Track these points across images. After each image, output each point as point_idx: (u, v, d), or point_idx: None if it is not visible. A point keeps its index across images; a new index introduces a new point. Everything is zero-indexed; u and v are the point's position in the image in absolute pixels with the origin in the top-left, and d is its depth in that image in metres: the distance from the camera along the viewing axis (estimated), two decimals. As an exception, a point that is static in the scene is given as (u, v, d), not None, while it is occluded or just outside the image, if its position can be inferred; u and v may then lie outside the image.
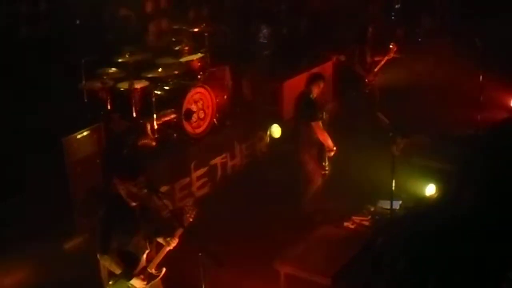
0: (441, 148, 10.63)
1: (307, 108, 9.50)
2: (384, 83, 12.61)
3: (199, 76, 11.36)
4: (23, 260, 8.10)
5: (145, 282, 6.53)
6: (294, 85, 11.54)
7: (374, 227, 9.09)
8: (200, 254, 6.25)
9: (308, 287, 8.04)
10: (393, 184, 8.84)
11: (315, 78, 9.61)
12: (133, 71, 10.58)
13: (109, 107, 10.40)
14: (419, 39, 16.60)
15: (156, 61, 11.32)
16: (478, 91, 12.04)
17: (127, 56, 10.57)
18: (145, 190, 6.48)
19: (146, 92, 10.58)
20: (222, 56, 12.14)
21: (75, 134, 9.39)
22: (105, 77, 10.46)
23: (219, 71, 12.03)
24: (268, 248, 8.69)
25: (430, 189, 9.77)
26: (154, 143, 10.47)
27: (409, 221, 9.08)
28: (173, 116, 10.67)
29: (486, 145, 10.72)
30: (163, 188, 9.39)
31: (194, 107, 10.87)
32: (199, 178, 10.61)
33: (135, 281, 6.51)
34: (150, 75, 10.74)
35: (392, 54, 12.00)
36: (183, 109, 10.68)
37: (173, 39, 12.00)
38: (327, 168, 9.61)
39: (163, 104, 10.66)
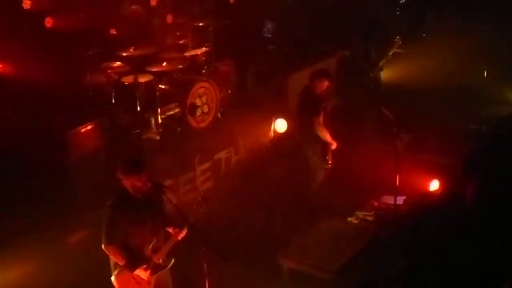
0: (445, 143, 10.62)
1: (308, 103, 9.49)
2: (388, 78, 12.59)
3: (203, 71, 11.36)
4: (26, 254, 8.12)
5: (149, 273, 6.58)
6: (299, 80, 11.51)
7: (377, 223, 9.09)
8: (204, 248, 6.26)
9: (311, 282, 8.05)
10: (397, 180, 8.84)
11: (318, 74, 9.58)
12: (137, 65, 10.58)
13: (113, 101, 10.41)
14: (424, 34, 16.56)
15: (161, 55, 11.31)
16: (483, 86, 12.04)
17: (131, 50, 10.56)
18: (149, 184, 6.50)
19: (150, 86, 10.58)
20: (226, 50, 12.14)
21: (79, 128, 9.40)
22: (109, 71, 10.46)
23: (224, 65, 12.02)
24: (271, 243, 8.70)
25: (434, 185, 9.76)
26: (158, 137, 10.48)
27: (412, 217, 9.10)
28: (177, 110, 10.67)
29: (490, 140, 10.73)
30: (167, 182, 9.39)
31: (198, 102, 10.87)
32: (203, 172, 10.60)
33: (139, 272, 6.57)
34: (154, 69, 10.73)
35: (396, 48, 11.97)
36: (187, 104, 10.67)
37: (178, 33, 11.99)
38: (330, 162, 9.59)
39: (167, 98, 10.66)
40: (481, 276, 7.85)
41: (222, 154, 11.02)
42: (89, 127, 9.51)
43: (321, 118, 9.34)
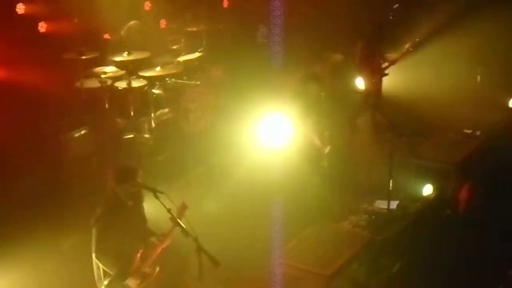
0: (438, 147, 10.62)
1: (298, 107, 9.48)
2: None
3: (197, 75, 11.37)
4: (18, 259, 8.09)
5: (139, 282, 6.54)
6: (292, 84, 11.51)
7: (371, 227, 9.09)
8: (195, 252, 6.24)
9: (305, 286, 8.03)
10: (391, 184, 8.85)
11: (307, 77, 9.57)
12: (131, 70, 10.58)
13: (107, 105, 10.41)
14: (417, 39, 16.56)
15: (154, 60, 11.32)
16: (476, 91, 12.05)
17: (125, 55, 10.57)
18: (143, 190, 6.49)
19: (144, 91, 10.60)
20: (219, 55, 12.15)
21: (73, 133, 9.39)
22: (103, 76, 10.46)
23: (217, 70, 12.03)
24: (264, 246, 8.68)
25: (427, 189, 9.77)
26: (151, 142, 10.48)
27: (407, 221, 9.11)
28: (170, 115, 10.67)
29: (484, 145, 10.74)
30: (161, 187, 9.37)
31: (191, 106, 10.88)
32: (196, 177, 10.60)
33: (129, 281, 6.52)
34: (148, 74, 10.74)
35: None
36: (181, 108, 10.68)
37: (171, 38, 12.00)
38: (323, 166, 9.58)
39: (161, 103, 10.68)
40: (474, 280, 7.86)
41: (215, 158, 11.02)
42: (82, 132, 9.51)
43: (310, 122, 9.34)
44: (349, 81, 12.40)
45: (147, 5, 12.35)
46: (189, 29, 12.06)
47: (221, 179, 10.97)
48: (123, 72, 10.64)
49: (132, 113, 10.48)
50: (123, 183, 6.45)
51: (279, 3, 13.13)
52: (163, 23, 12.32)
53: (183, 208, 6.62)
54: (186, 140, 10.80)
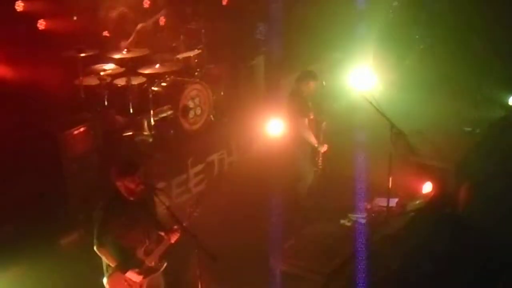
0: (438, 146, 10.63)
1: (294, 105, 9.48)
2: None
3: (196, 73, 11.37)
4: (19, 256, 8.09)
5: (141, 276, 6.56)
6: (292, 82, 11.50)
7: (370, 225, 9.09)
8: (196, 250, 6.26)
9: (304, 285, 8.04)
10: (390, 182, 8.86)
11: (304, 76, 9.55)
12: (130, 67, 10.57)
13: (106, 103, 10.40)
14: (417, 36, 16.55)
15: (153, 57, 11.30)
16: (476, 89, 12.07)
17: (124, 52, 10.55)
18: (143, 186, 6.51)
19: (143, 89, 10.59)
20: (219, 52, 12.13)
21: (72, 130, 9.38)
22: (102, 73, 10.44)
23: (216, 67, 12.02)
24: (264, 245, 8.69)
25: (427, 187, 9.78)
26: (151, 140, 10.47)
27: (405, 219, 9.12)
28: (170, 112, 10.66)
29: (483, 142, 10.76)
30: (160, 185, 9.38)
31: (191, 104, 10.87)
32: (196, 174, 10.60)
33: (130, 274, 6.53)
34: (147, 72, 10.72)
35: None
36: (180, 106, 10.68)
37: (170, 36, 11.98)
38: (320, 165, 9.59)
39: (160, 100, 10.66)
40: (473, 278, 7.87)
41: (215, 156, 11.02)
42: (81, 129, 9.49)
43: (306, 121, 9.34)
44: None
45: (146, 3, 12.32)
46: (188, 26, 12.03)
47: (221, 177, 10.98)
48: (122, 69, 10.62)
49: (131, 111, 10.47)
50: (123, 178, 6.48)
51: (278, 1, 13.15)
52: (162, 20, 12.29)
53: (197, 203, 6.67)
54: (185, 137, 10.79)
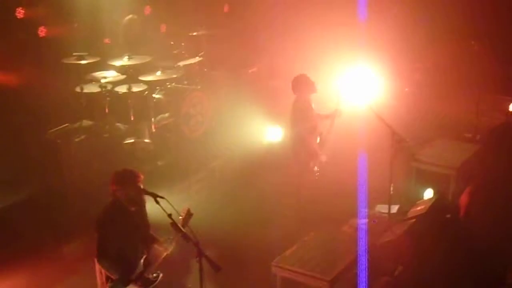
0: (439, 152, 10.62)
1: (295, 112, 9.41)
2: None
3: (197, 80, 11.37)
4: (18, 263, 8.09)
5: (140, 288, 6.53)
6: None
7: (372, 231, 9.08)
8: (197, 258, 6.23)
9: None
10: (391, 188, 8.85)
11: (300, 82, 9.45)
12: (131, 75, 10.58)
13: (107, 110, 10.41)
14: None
15: (154, 64, 11.32)
16: (476, 95, 12.06)
17: (125, 59, 10.56)
18: (144, 195, 6.48)
19: (144, 96, 10.60)
20: (220, 59, 12.15)
21: (73, 138, 9.39)
22: (103, 81, 10.46)
23: (217, 74, 12.03)
24: (265, 251, 8.68)
25: (428, 193, 9.76)
26: (152, 147, 10.48)
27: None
28: (171, 119, 10.68)
29: (483, 149, 10.73)
30: (161, 192, 9.36)
31: (192, 111, 10.89)
32: (197, 181, 10.59)
33: (131, 287, 6.49)
34: (148, 79, 10.74)
35: None
36: (181, 113, 10.68)
37: (171, 43, 11.99)
38: (317, 173, 9.52)
39: (161, 107, 10.68)
40: (475, 283, 7.85)
41: (216, 163, 11.02)
42: (82, 137, 9.50)
43: (310, 127, 9.29)
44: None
45: (147, 9, 12.35)
46: (189, 34, 12.05)
47: (222, 184, 10.98)
48: (123, 76, 10.63)
49: (132, 118, 10.48)
50: (123, 186, 6.43)
51: (280, 8, 13.18)
52: (163, 27, 12.31)
53: (188, 215, 6.60)
54: (186, 145, 10.79)
